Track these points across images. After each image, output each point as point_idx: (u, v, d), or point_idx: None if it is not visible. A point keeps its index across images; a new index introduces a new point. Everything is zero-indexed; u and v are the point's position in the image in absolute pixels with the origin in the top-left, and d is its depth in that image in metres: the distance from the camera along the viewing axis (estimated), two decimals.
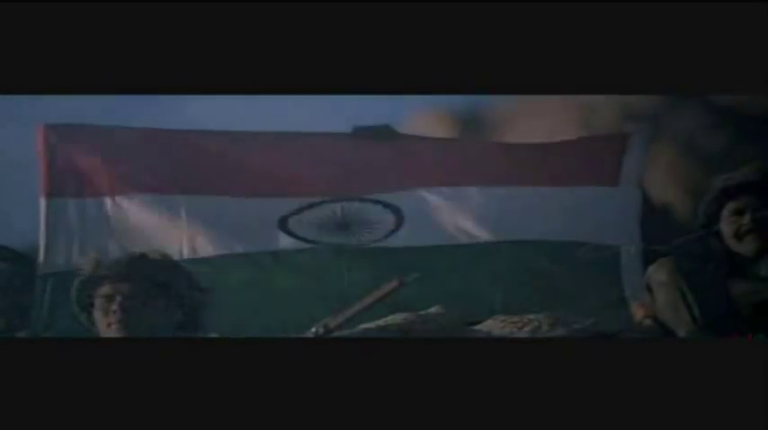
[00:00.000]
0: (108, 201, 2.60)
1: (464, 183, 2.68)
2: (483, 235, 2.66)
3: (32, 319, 2.43)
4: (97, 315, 2.26)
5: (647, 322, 2.47)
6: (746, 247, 2.54)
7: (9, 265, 2.52)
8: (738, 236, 2.55)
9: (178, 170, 2.67)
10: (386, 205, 2.68)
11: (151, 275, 2.28)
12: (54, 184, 2.57)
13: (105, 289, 2.24)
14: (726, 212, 2.60)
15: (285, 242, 2.64)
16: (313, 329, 2.18)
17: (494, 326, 2.33)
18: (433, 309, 2.29)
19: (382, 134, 2.71)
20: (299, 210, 2.64)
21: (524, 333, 2.28)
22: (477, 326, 2.30)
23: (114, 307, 2.22)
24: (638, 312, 2.54)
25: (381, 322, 2.27)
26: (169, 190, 2.63)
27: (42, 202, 2.56)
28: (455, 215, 2.70)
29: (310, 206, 2.66)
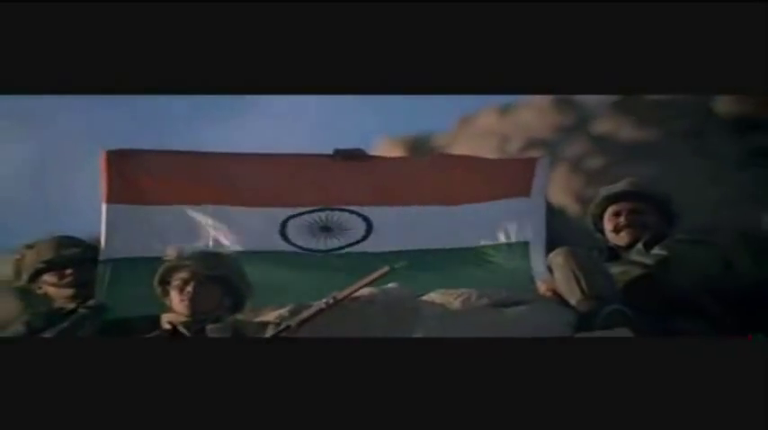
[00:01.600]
0: (151, 208, 3.18)
1: (411, 202, 3.32)
2: (432, 243, 3.32)
3: (95, 291, 2.99)
4: (173, 292, 2.82)
5: (549, 294, 3.07)
6: (621, 240, 3.33)
7: (80, 251, 3.08)
8: (616, 231, 3.34)
9: (206, 185, 3.25)
10: (358, 214, 3.29)
11: (215, 267, 2.84)
12: (112, 194, 3.14)
13: (183, 274, 2.80)
14: (607, 214, 3.39)
15: (282, 244, 3.23)
16: (324, 300, 2.71)
17: (435, 297, 2.96)
18: (390, 285, 2.90)
19: (355, 155, 3.33)
20: (294, 216, 3.22)
21: (458, 302, 2.93)
22: (423, 297, 2.93)
23: (189, 288, 2.78)
24: (541, 287, 3.15)
25: (356, 294, 2.79)
26: (199, 200, 3.21)
27: (103, 207, 3.14)
28: (404, 227, 3.33)
29: (301, 214, 3.24)
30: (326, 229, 3.27)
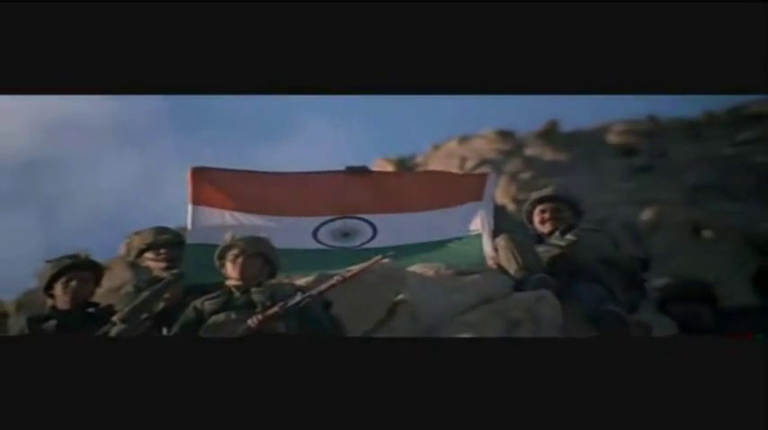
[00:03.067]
0: (222, 211, 4.14)
1: (402, 210, 4.36)
2: (415, 239, 4.31)
3: (181, 264, 3.90)
4: (228, 264, 3.63)
5: (494, 266, 4.01)
6: (545, 229, 4.33)
7: (171, 237, 4.01)
8: (542, 223, 4.34)
9: (259, 197, 4.23)
10: (366, 221, 4.30)
11: (257, 247, 3.65)
12: (194, 198, 4.11)
13: (235, 251, 3.61)
14: (536, 211, 4.39)
15: (314, 244, 4.22)
16: (336, 277, 3.53)
17: (416, 268, 4.01)
18: (384, 260, 3.79)
19: (361, 171, 4.40)
20: (324, 224, 4.24)
21: (432, 271, 3.96)
22: (409, 268, 3.97)
23: (239, 260, 3.59)
24: (490, 262, 4.09)
25: (355, 268, 3.63)
26: (253, 209, 4.18)
27: (189, 207, 4.12)
28: (396, 230, 4.31)
29: (327, 222, 4.26)
30: (346, 234, 4.30)
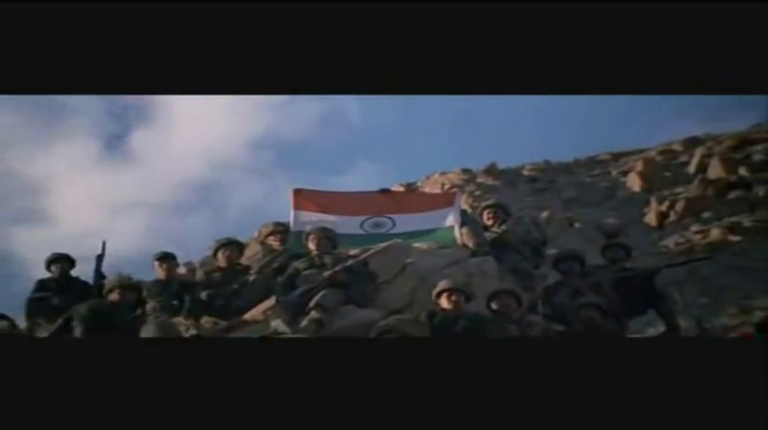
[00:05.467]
0: (309, 213, 6.80)
1: (408, 212, 7.08)
2: (414, 228, 7.08)
3: (289, 242, 6.65)
4: (310, 243, 6.11)
5: (461, 244, 6.68)
6: (489, 223, 7.14)
7: (284, 228, 6.75)
8: (488, 220, 7.15)
9: (328, 205, 6.93)
10: (389, 218, 7.01)
11: (326, 233, 6.17)
12: (295, 206, 6.77)
13: (313, 235, 6.26)
14: (484, 213, 7.23)
15: (360, 230, 6.90)
16: (371, 250, 6.27)
17: (417, 245, 6.82)
18: (398, 241, 6.68)
19: (386, 191, 7.37)
20: (367, 220, 6.98)
21: (425, 246, 6.85)
22: (413, 245, 6.91)
23: (316, 240, 6.14)
24: (458, 241, 6.71)
25: (382, 245, 6.48)
26: (325, 211, 6.82)
27: (292, 212, 6.79)
28: (404, 223, 7.07)
29: (367, 219, 6.99)
30: (377, 225, 6.98)
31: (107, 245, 6.23)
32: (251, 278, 6.28)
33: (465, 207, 8.94)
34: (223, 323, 5.79)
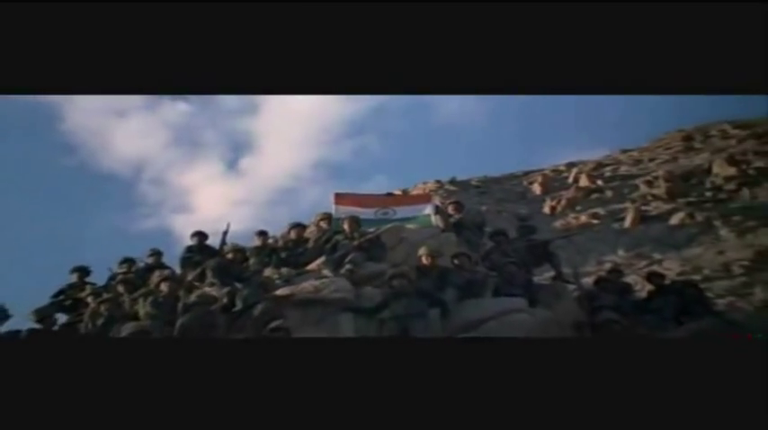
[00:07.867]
0: (344, 207, 10.92)
1: (407, 204, 11.45)
2: (408, 215, 11.33)
3: (332, 225, 10.71)
4: (345, 225, 10.06)
5: (435, 226, 10.88)
6: (453, 212, 11.28)
7: (330, 216, 10.88)
8: (453, 211, 11.35)
9: (355, 202, 11.03)
10: (393, 210, 11.06)
11: (354, 219, 10.22)
12: (336, 201, 10.85)
13: (346, 220, 10.40)
14: (449, 206, 11.48)
15: (373, 217, 11.05)
16: (380, 230, 10.62)
17: (409, 226, 11.27)
18: (397, 224, 10.99)
19: (390, 193, 11.77)
20: (377, 211, 11.12)
21: (415, 227, 11.30)
22: (406, 226, 11.36)
23: (348, 223, 10.06)
24: (434, 224, 10.85)
25: (387, 226, 10.75)
26: (353, 206, 10.85)
27: (333, 206, 10.91)
28: (403, 212, 11.32)
29: (378, 210, 11.08)
30: (385, 214, 10.88)
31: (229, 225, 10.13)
32: (310, 246, 10.17)
33: (438, 203, 12.98)
34: (294, 271, 9.99)
